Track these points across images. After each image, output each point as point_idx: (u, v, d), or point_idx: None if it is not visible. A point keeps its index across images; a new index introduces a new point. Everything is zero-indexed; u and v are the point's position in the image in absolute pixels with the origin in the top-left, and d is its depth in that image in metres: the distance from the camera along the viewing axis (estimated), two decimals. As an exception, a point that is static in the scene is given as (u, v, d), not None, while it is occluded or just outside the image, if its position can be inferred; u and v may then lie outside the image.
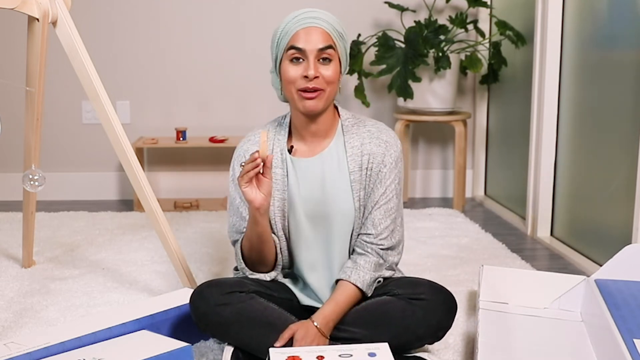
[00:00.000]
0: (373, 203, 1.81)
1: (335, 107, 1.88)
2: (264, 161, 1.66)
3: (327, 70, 1.72)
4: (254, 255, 1.83)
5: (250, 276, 1.85)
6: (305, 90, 1.72)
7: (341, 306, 1.74)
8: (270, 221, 1.83)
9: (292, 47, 1.71)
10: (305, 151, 1.84)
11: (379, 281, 1.84)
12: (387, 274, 1.87)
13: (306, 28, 1.71)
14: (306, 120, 1.80)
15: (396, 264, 1.88)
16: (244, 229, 1.84)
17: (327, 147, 1.83)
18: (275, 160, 1.83)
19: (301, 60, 1.72)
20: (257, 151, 1.67)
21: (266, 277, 1.86)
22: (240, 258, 1.85)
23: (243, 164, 1.69)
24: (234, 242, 1.89)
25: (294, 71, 1.73)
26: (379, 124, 1.87)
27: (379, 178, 1.80)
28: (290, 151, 1.84)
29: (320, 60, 1.72)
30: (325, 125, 1.82)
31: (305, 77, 1.71)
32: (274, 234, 1.85)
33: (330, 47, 1.72)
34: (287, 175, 1.83)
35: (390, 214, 1.81)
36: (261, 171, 1.68)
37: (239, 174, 1.72)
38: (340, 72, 1.78)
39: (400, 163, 1.84)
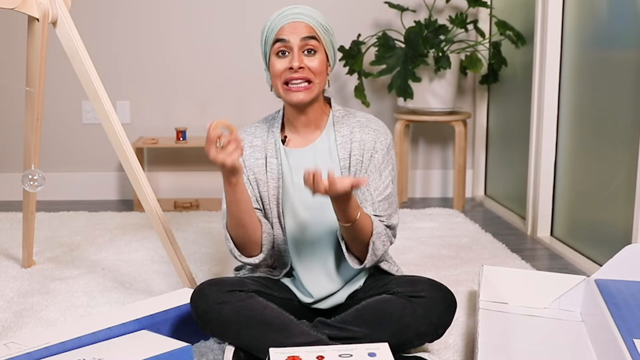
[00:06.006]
0: (373, 191, 1.83)
1: (329, 102, 1.93)
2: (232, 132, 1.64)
3: (312, 62, 1.78)
4: (240, 233, 1.81)
5: (239, 258, 1.84)
6: (291, 82, 1.78)
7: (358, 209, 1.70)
8: (264, 205, 1.88)
9: (277, 41, 1.78)
10: (298, 142, 1.90)
11: (380, 260, 1.86)
12: (384, 266, 1.91)
13: (291, 22, 1.78)
14: (297, 112, 1.86)
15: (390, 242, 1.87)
16: None
17: (318, 137, 1.88)
18: (270, 150, 1.88)
19: (287, 53, 1.79)
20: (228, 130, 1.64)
21: (255, 260, 1.84)
22: (229, 238, 1.84)
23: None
24: (226, 227, 1.89)
25: (279, 64, 1.79)
26: (368, 115, 1.93)
27: (373, 163, 1.85)
28: (283, 142, 1.89)
29: (305, 52, 1.78)
30: (316, 116, 1.87)
31: (290, 68, 1.77)
32: (267, 219, 1.88)
33: (313, 37, 1.78)
34: (281, 164, 1.88)
35: (389, 198, 1.85)
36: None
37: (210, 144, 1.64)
38: (328, 64, 1.84)
39: (392, 151, 1.89)
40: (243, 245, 1.85)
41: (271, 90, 1.87)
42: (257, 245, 1.84)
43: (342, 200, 1.66)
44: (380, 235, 1.78)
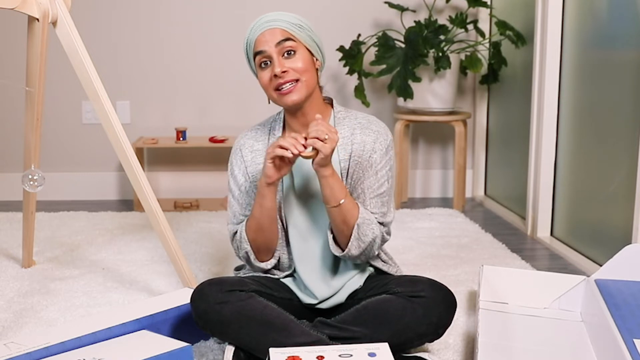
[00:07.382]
0: (366, 189, 1.83)
1: (330, 102, 1.93)
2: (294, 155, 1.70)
3: (294, 62, 1.78)
4: (260, 237, 1.84)
5: (254, 262, 1.87)
6: (280, 87, 1.78)
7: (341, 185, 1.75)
8: None
9: (256, 54, 1.80)
10: None
11: (376, 260, 1.88)
12: (384, 267, 1.91)
13: (262, 33, 1.79)
14: (295, 115, 1.86)
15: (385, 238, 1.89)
16: (243, 218, 1.89)
17: None
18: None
19: (269, 62, 1.79)
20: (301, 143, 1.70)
21: (267, 265, 1.87)
22: (246, 241, 1.85)
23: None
24: (234, 235, 1.90)
25: (265, 75, 1.80)
26: (369, 116, 1.92)
27: (370, 163, 1.84)
28: None
29: (285, 54, 1.78)
30: (314, 117, 1.85)
31: (275, 75, 1.77)
32: None
33: (288, 39, 1.78)
34: None
35: (383, 197, 1.85)
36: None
37: (271, 150, 1.72)
38: (315, 59, 1.83)
39: (391, 151, 1.88)
40: (258, 250, 1.87)
41: (269, 102, 1.88)
42: (271, 251, 1.87)
43: (327, 174, 1.70)
44: (370, 223, 1.78)
